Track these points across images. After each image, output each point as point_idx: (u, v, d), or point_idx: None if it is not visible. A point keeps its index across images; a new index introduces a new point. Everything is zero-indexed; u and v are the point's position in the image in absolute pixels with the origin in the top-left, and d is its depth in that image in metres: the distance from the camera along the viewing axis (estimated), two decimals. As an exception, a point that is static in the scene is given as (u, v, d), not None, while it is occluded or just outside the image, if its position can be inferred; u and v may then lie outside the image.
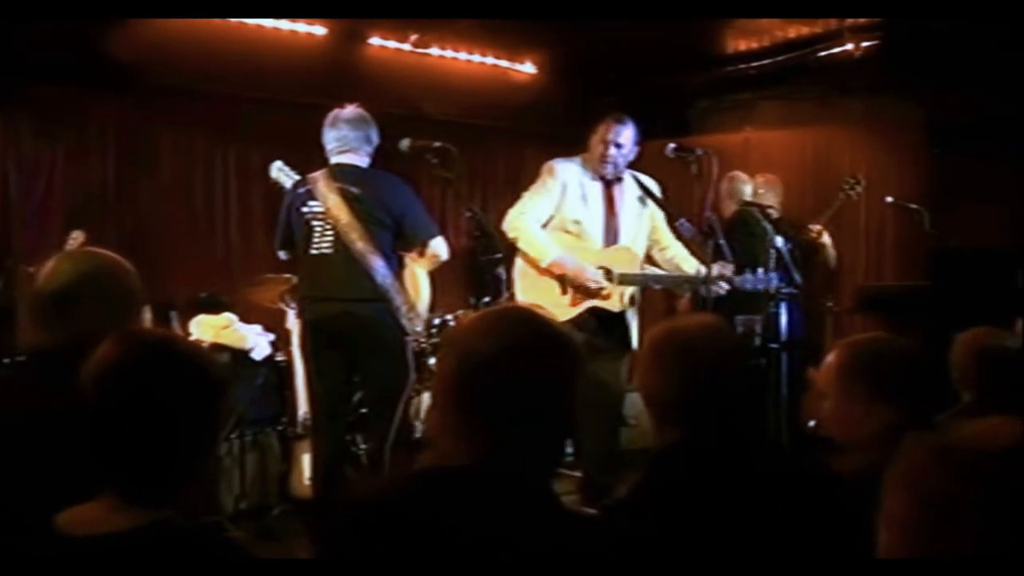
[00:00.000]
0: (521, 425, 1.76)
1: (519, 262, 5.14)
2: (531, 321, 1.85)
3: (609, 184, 5.26)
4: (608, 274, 5.10)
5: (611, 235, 5.27)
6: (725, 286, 5.07)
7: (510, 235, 5.05)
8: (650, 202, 5.35)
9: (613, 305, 5.17)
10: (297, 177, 4.89)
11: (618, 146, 5.16)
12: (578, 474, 5.85)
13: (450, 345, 1.88)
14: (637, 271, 5.16)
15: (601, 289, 5.11)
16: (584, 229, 5.20)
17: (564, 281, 5.13)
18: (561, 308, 5.06)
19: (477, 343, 1.78)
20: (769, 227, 6.02)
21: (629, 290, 5.21)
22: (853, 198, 6.90)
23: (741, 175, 6.91)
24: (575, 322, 5.09)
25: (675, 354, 2.27)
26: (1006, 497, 1.20)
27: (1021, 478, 1.21)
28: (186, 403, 1.77)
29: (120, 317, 2.32)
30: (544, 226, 5.18)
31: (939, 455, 1.27)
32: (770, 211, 6.55)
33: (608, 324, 5.23)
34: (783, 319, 5.86)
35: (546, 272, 5.12)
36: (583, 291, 5.11)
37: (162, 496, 1.76)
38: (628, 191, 5.31)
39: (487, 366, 1.75)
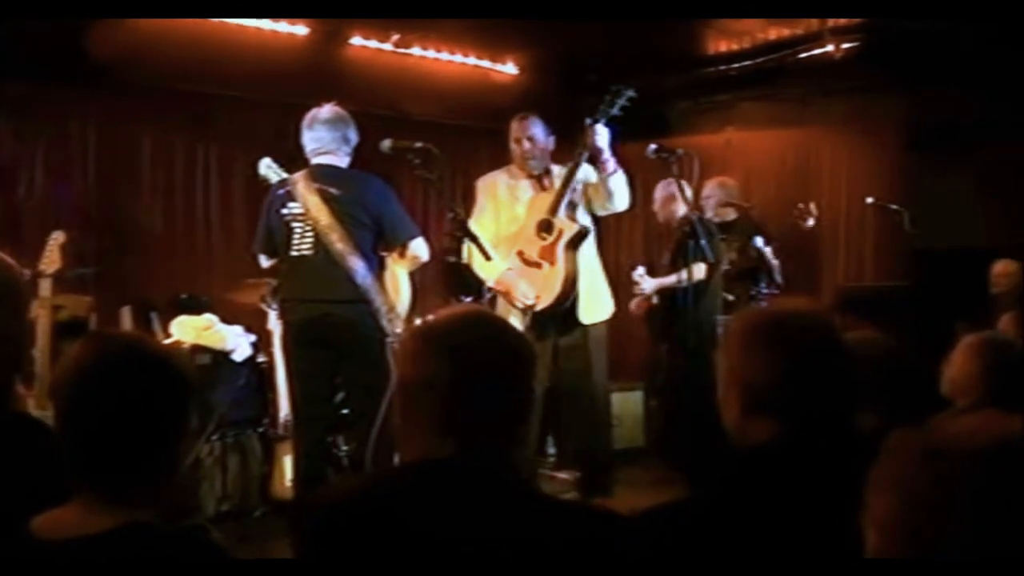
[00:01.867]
0: (498, 420, 1.79)
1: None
2: (485, 319, 1.91)
3: (539, 179, 5.35)
4: (550, 226, 5.18)
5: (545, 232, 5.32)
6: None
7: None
8: (580, 176, 5.35)
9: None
10: (285, 174, 4.88)
11: (530, 139, 5.36)
12: (564, 475, 5.86)
13: (409, 351, 1.86)
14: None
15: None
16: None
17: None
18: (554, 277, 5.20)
19: (439, 348, 1.80)
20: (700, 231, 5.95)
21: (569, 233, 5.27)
22: (803, 228, 6.79)
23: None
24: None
25: (778, 334, 2.06)
26: (991, 498, 1.20)
27: (1006, 478, 1.21)
28: (157, 402, 1.78)
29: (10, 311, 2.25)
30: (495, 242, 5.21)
31: (924, 456, 1.26)
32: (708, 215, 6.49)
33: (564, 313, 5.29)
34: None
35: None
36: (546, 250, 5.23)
37: (137, 496, 1.76)
38: (558, 182, 5.37)
39: (450, 370, 1.77)
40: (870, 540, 1.30)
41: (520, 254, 5.24)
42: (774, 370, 2.01)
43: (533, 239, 5.22)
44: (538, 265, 5.19)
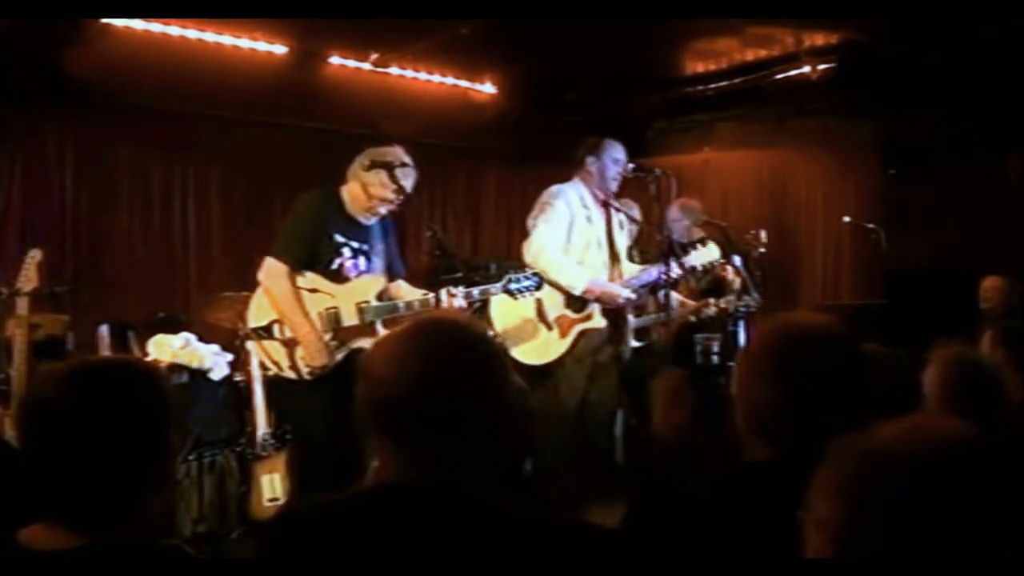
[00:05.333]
0: (455, 438, 1.72)
1: (495, 306, 5.16)
2: (446, 333, 1.81)
3: (605, 205, 5.32)
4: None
5: (612, 255, 5.32)
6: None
7: (538, 268, 5.04)
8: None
9: (598, 323, 5.21)
10: None
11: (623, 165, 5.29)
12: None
13: (368, 370, 1.79)
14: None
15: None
16: (589, 253, 5.23)
17: (543, 315, 5.17)
18: (552, 344, 5.12)
19: (393, 367, 1.74)
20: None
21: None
22: (754, 255, 6.75)
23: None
24: (571, 352, 5.15)
25: (784, 361, 2.00)
26: (929, 502, 1.22)
27: (942, 482, 1.22)
28: (118, 432, 1.74)
29: None
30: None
31: (866, 461, 1.28)
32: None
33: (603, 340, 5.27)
34: (741, 337, 5.90)
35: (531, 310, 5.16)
36: (567, 321, 5.14)
37: (108, 523, 1.74)
38: (615, 211, 5.39)
39: (406, 391, 1.71)
40: (812, 542, 1.31)
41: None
42: (775, 400, 1.99)
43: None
44: (548, 325, 5.21)
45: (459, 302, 4.49)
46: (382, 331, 4.59)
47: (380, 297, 4.56)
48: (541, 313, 5.18)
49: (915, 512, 1.22)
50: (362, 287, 4.54)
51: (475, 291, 4.57)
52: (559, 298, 5.17)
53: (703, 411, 2.24)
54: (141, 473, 1.78)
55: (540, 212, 5.22)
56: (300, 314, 4.44)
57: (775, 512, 1.77)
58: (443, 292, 4.51)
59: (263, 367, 4.45)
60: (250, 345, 5.27)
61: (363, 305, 4.51)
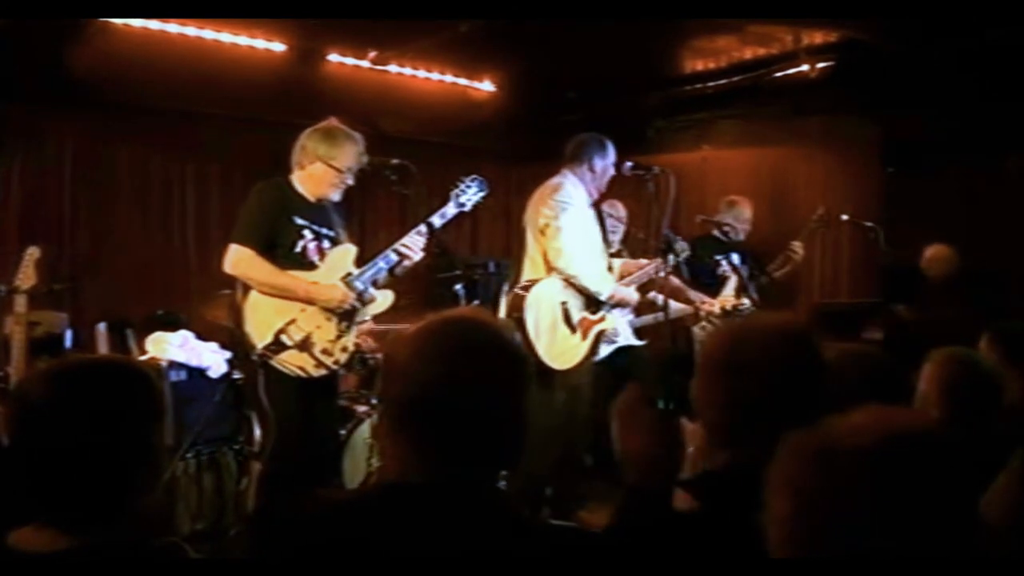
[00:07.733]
0: (469, 440, 1.70)
1: (529, 313, 5.10)
2: (466, 334, 1.77)
3: (595, 205, 5.37)
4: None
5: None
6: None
7: (568, 274, 5.12)
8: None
9: (611, 323, 5.31)
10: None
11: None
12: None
13: (388, 367, 1.78)
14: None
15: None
16: (593, 254, 5.31)
17: (569, 318, 5.18)
18: (577, 348, 5.19)
19: (414, 365, 1.72)
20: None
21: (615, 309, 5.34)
22: (817, 229, 7.07)
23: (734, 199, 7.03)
24: (589, 355, 5.21)
25: (734, 368, 1.97)
26: (878, 493, 1.22)
27: (891, 474, 1.23)
28: (105, 434, 1.74)
29: None
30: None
31: (815, 456, 1.28)
32: (726, 230, 6.65)
33: None
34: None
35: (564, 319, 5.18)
36: (586, 323, 5.21)
37: (98, 523, 1.73)
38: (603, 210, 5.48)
39: (427, 388, 1.69)
40: (771, 539, 1.31)
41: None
42: (726, 406, 1.98)
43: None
44: (572, 328, 5.22)
45: (422, 239, 4.55)
46: (378, 295, 4.61)
47: (358, 264, 4.56)
48: (567, 316, 5.19)
49: (865, 504, 1.22)
50: (338, 262, 4.53)
51: (434, 218, 4.62)
52: (580, 300, 5.22)
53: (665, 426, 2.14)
54: (129, 473, 1.78)
55: (559, 213, 5.17)
56: (289, 278, 4.40)
57: (731, 520, 1.77)
58: (411, 235, 4.58)
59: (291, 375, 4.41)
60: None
61: (348, 278, 4.51)
